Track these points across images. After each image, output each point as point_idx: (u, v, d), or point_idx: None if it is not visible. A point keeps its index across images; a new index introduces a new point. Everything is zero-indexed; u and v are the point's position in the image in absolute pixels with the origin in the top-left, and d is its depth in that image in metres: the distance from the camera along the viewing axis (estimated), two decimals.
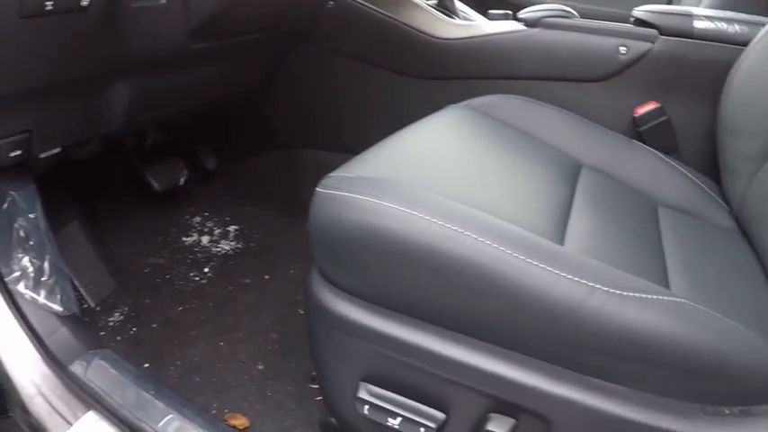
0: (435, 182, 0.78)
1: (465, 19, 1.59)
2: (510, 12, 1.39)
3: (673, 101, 1.25)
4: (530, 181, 0.92)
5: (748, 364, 0.63)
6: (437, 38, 1.35)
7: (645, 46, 1.24)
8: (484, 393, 0.68)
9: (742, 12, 1.27)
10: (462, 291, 0.65)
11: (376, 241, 0.66)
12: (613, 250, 0.81)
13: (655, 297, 0.63)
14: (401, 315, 0.70)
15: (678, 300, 0.64)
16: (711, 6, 1.61)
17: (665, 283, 0.81)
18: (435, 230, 0.64)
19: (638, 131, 1.25)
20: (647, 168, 1.15)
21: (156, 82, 1.16)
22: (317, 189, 0.73)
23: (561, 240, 0.79)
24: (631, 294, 0.62)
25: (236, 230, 1.62)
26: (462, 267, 0.63)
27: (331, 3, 1.39)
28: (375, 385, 0.74)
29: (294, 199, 1.40)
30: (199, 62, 1.22)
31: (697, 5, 1.63)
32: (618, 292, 0.62)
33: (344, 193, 0.70)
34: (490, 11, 1.40)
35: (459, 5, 1.68)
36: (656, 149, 1.19)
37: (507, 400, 0.68)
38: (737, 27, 1.21)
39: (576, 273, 0.62)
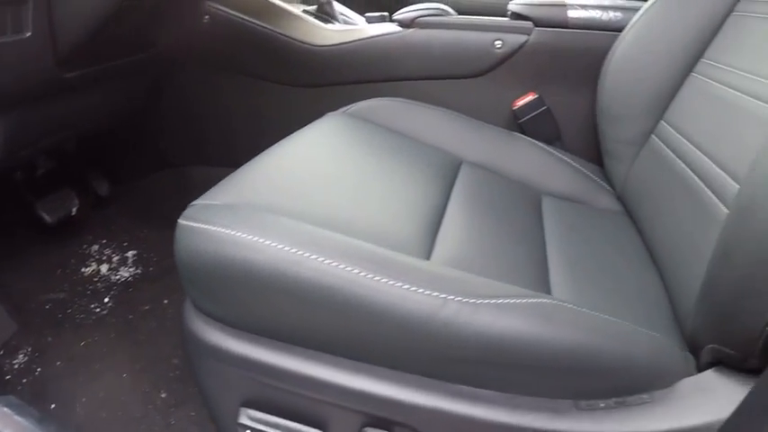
0: (298, 202, 0.77)
1: (345, 22, 1.59)
2: (386, 13, 1.39)
3: (552, 91, 1.27)
4: (404, 188, 0.91)
5: (620, 357, 0.63)
6: (315, 45, 1.34)
7: (521, 39, 1.25)
8: (355, 410, 0.68)
9: None
10: (318, 313, 0.65)
11: (233, 272, 0.66)
12: (487, 252, 0.81)
13: (511, 301, 0.62)
14: (269, 340, 0.70)
15: (537, 300, 0.64)
16: None
17: (545, 278, 0.82)
18: (285, 257, 0.64)
19: (519, 123, 1.26)
20: (529, 159, 1.16)
21: (31, 114, 1.11)
22: (179, 221, 0.72)
23: (429, 251, 0.79)
24: (486, 301, 0.62)
25: (134, 255, 1.58)
26: (312, 291, 0.63)
27: (207, 18, 1.36)
28: (255, 409, 0.74)
29: None
30: (74, 90, 1.18)
31: None
32: (472, 300, 0.61)
33: (201, 225, 0.69)
34: (367, 14, 1.40)
35: (340, 8, 1.68)
36: (539, 140, 1.20)
37: (377, 415, 0.68)
38: (612, 14, 1.23)
39: (428, 286, 0.62)
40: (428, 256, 0.77)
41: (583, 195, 1.14)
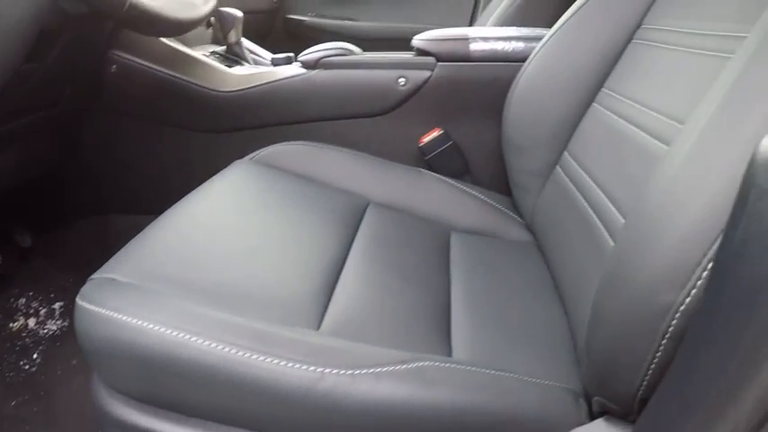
0: (192, 274, 0.77)
1: (256, 62, 1.57)
2: (292, 54, 1.37)
3: (458, 124, 1.27)
4: (306, 243, 0.90)
5: (507, 412, 0.63)
6: (221, 91, 1.31)
7: (424, 74, 1.25)
8: None
9: (530, 25, 1.31)
10: (207, 390, 0.65)
11: (126, 354, 0.67)
12: (384, 308, 0.80)
13: (389, 369, 0.62)
14: (173, 413, 0.70)
15: (417, 365, 0.63)
16: (499, 21, 1.66)
17: (446, 327, 0.81)
18: (169, 340, 0.65)
19: (426, 160, 1.26)
20: (438, 196, 1.16)
21: None
22: (77, 300, 0.72)
23: (321, 315, 0.77)
24: (363, 371, 0.61)
25: (61, 307, 1.53)
26: (197, 371, 0.64)
27: (114, 67, 1.33)
28: None
29: None
30: None
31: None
32: (349, 372, 0.61)
33: (95, 307, 0.69)
34: (273, 55, 1.38)
35: (252, 46, 1.66)
36: (447, 175, 1.20)
37: None
38: (515, 44, 1.23)
39: (306, 360, 0.62)
40: (319, 322, 0.76)
41: (493, 228, 1.14)
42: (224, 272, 0.79)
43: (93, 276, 0.76)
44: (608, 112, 0.94)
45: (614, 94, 0.95)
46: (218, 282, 0.77)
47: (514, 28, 1.30)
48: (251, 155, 1.16)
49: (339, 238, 0.94)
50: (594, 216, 0.84)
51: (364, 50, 2.36)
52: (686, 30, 0.82)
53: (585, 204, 0.88)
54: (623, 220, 0.74)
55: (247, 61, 1.54)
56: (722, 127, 0.50)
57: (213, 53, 1.55)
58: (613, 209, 0.79)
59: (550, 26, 1.43)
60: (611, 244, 0.75)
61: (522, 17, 1.55)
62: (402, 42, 2.38)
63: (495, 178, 1.24)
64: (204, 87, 1.31)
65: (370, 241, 0.96)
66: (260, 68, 1.34)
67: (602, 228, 0.80)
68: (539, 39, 1.16)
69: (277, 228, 0.93)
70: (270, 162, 1.14)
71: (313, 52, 1.30)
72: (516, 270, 1.00)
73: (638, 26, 0.99)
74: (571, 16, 1.06)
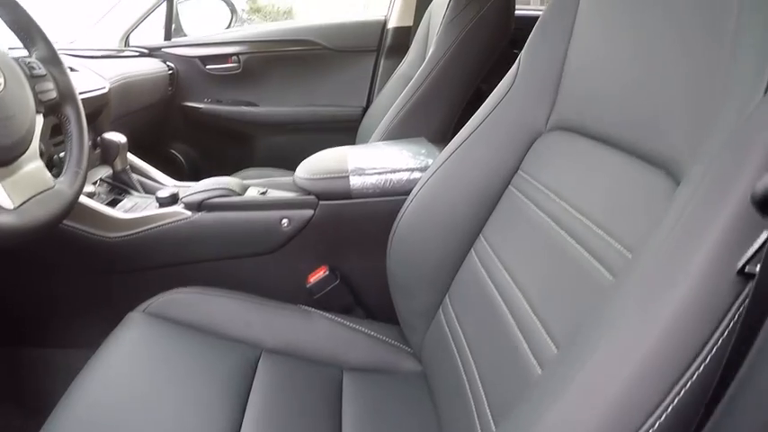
0: None
1: (148, 190, 1.56)
2: (177, 192, 1.36)
3: (344, 260, 1.30)
4: (201, 416, 0.90)
5: None
6: (110, 237, 1.29)
7: (307, 214, 1.27)
8: None
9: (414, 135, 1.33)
10: None
11: None
12: None
13: None
14: None
15: None
16: (383, 135, 1.69)
17: None
18: None
19: (315, 299, 1.28)
20: (329, 336, 1.17)
21: None
22: None
23: None
24: None
25: None
26: None
27: None
28: None
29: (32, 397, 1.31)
30: None
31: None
32: None
33: None
34: (158, 193, 1.37)
35: (143, 165, 1.65)
36: (337, 311, 1.22)
37: None
38: (396, 178, 1.25)
39: None
40: None
41: (384, 364, 1.16)
42: None
43: None
44: (478, 264, 0.98)
45: (486, 245, 0.98)
46: None
47: (398, 148, 1.33)
48: (143, 305, 1.15)
49: (233, 403, 0.94)
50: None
51: (264, 138, 2.40)
52: (549, 192, 0.87)
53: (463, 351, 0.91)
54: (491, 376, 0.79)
55: (136, 189, 1.52)
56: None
57: (101, 180, 1.53)
58: (485, 365, 0.82)
59: (434, 139, 1.49)
60: (482, 393, 0.80)
61: (405, 129, 1.59)
62: (301, 126, 2.42)
63: (386, 309, 1.26)
64: (91, 233, 1.29)
65: (263, 400, 0.96)
66: (145, 212, 1.33)
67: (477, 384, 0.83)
68: (422, 169, 1.19)
69: (173, 399, 0.93)
70: (162, 313, 1.13)
71: (196, 193, 1.29)
72: (407, 412, 1.03)
73: (515, 171, 1.00)
74: (455, 150, 1.07)
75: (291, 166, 2.18)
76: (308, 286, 1.27)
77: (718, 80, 0.58)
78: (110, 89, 1.70)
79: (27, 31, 1.09)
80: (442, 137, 1.60)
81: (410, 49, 2.10)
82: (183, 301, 1.17)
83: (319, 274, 1.27)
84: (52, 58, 1.10)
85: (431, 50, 1.63)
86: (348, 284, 1.30)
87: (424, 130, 1.56)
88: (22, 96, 0.98)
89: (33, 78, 1.03)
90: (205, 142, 2.51)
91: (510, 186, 1.00)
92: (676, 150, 0.64)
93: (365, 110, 2.40)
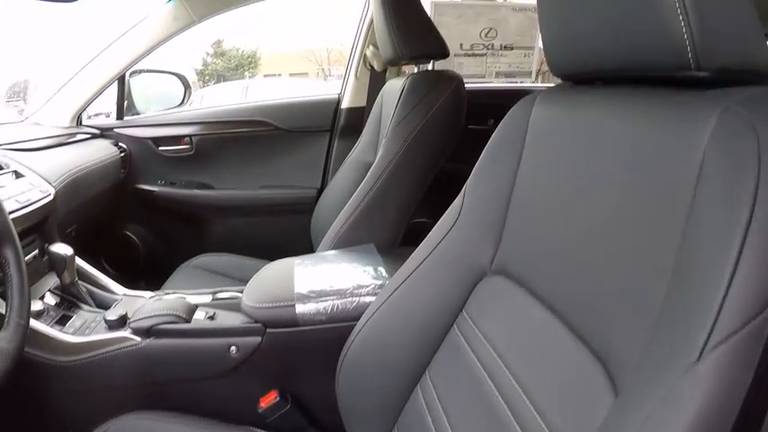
0: None
1: (97, 301, 1.54)
2: (126, 312, 1.34)
3: (295, 384, 1.30)
4: None
5: None
6: (60, 361, 1.27)
7: (255, 341, 1.27)
8: None
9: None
10: None
11: None
12: None
13: None
14: None
15: None
16: (334, 242, 1.69)
17: None
18: None
19: (267, 423, 1.27)
20: None
21: None
22: None
23: None
24: None
25: None
26: None
27: None
28: None
29: None
30: None
31: None
32: None
33: None
34: (106, 314, 1.35)
35: (96, 274, 1.63)
36: None
37: None
38: (346, 302, 1.26)
39: None
40: None
41: None
42: None
43: None
44: (423, 404, 0.98)
45: (430, 385, 0.99)
46: None
47: (346, 264, 1.34)
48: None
49: None
50: None
51: (219, 220, 2.39)
52: (489, 346, 0.88)
53: None
54: None
55: (85, 302, 1.50)
56: None
57: (50, 292, 1.51)
58: None
59: (385, 242, 1.50)
60: None
61: (355, 233, 1.60)
62: (256, 209, 2.42)
63: (342, 428, 1.26)
64: (41, 357, 1.27)
65: None
66: (94, 336, 1.31)
67: None
68: (369, 294, 1.19)
69: None
70: None
71: (143, 318, 1.28)
72: None
73: (460, 310, 1.00)
74: (401, 284, 1.08)
75: (247, 250, 2.20)
76: (260, 411, 1.26)
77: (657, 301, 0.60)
78: (56, 193, 1.67)
79: None
80: (393, 240, 1.61)
81: (363, 133, 2.12)
82: (135, 427, 1.16)
83: (270, 398, 1.26)
84: None
85: (379, 153, 1.65)
86: (300, 407, 1.30)
87: (374, 235, 1.58)
88: None
89: None
90: (160, 224, 2.48)
91: (454, 326, 1.01)
92: (613, 349, 0.66)
93: (320, 190, 2.42)
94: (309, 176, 2.47)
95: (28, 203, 1.47)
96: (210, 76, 19.38)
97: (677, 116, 0.65)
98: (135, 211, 2.46)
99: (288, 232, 2.41)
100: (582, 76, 0.86)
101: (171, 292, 1.52)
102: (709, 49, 0.60)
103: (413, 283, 1.06)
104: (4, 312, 1.08)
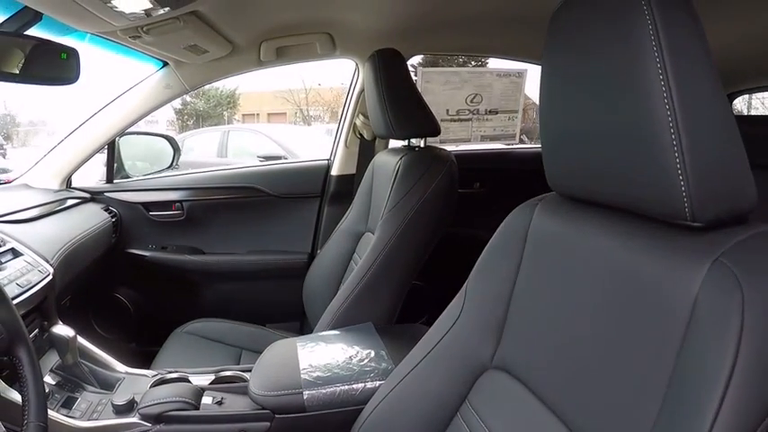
0: None
1: (100, 381, 1.55)
2: (133, 397, 1.36)
3: None
4: None
5: None
6: None
7: (263, 426, 1.31)
8: None
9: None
10: None
11: None
12: None
13: None
14: None
15: None
16: (331, 323, 1.73)
17: None
18: None
19: None
20: None
21: None
22: None
23: None
24: None
25: None
26: None
27: None
28: None
29: None
30: None
31: None
32: None
33: None
34: (113, 399, 1.36)
35: (102, 355, 1.64)
36: None
37: None
38: (353, 387, 1.31)
39: None
40: None
41: None
42: None
43: None
44: None
45: None
46: None
47: (348, 345, 1.39)
48: None
49: None
50: None
51: (211, 285, 2.40)
52: None
53: None
54: None
55: (90, 383, 1.52)
56: None
57: (53, 373, 1.51)
58: None
59: (380, 321, 1.55)
60: None
61: (353, 313, 1.64)
62: (247, 274, 2.44)
63: None
64: None
65: None
66: (102, 421, 1.33)
67: None
68: (373, 379, 1.23)
69: None
70: None
71: (154, 404, 1.31)
72: None
73: (464, 400, 1.06)
74: (406, 375, 1.14)
75: (240, 315, 2.22)
76: None
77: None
78: (54, 272, 1.68)
79: None
80: (390, 316, 1.67)
81: (354, 203, 2.16)
82: None
83: None
84: None
85: (377, 233, 1.70)
86: None
87: (373, 312, 1.63)
88: None
89: None
90: (151, 288, 2.50)
91: (458, 415, 1.07)
92: None
93: (311, 255, 2.47)
94: (300, 242, 2.52)
95: (28, 287, 1.49)
96: (189, 115, 19.33)
97: (673, 257, 0.72)
98: (125, 275, 2.47)
99: (280, 297, 2.46)
100: (580, 198, 0.93)
101: (173, 370, 1.55)
102: (705, 207, 0.68)
103: (418, 374, 1.13)
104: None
